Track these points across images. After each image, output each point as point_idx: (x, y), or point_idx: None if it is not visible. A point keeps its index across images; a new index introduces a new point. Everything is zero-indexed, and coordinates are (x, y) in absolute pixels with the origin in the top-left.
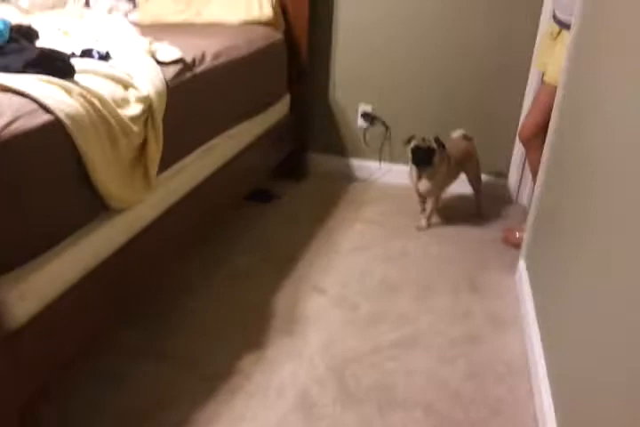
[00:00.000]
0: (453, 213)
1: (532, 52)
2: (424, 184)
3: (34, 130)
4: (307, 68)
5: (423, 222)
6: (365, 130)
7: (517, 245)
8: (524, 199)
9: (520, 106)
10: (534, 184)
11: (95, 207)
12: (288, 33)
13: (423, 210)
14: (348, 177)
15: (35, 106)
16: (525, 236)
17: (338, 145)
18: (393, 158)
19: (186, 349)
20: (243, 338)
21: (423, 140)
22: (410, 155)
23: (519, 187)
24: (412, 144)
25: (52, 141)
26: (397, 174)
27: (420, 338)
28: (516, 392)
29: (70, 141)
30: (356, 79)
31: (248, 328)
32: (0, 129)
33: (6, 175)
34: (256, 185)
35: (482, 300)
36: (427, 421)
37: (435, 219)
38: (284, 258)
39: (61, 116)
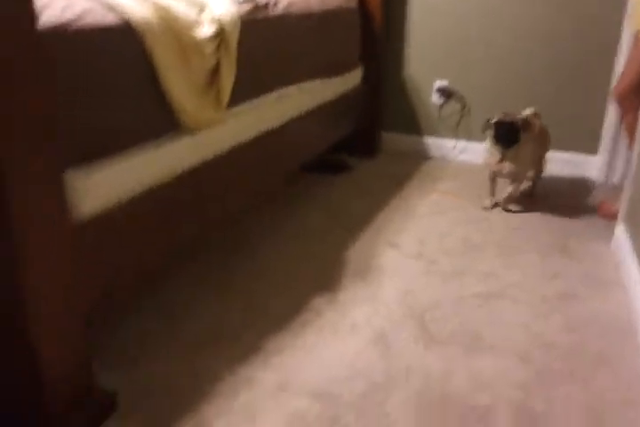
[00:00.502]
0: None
1: (623, 18)
2: (507, 166)
3: (103, 28)
4: (380, 41)
5: (488, 202)
6: (441, 106)
7: (612, 217)
8: (614, 177)
9: (609, 73)
10: (631, 148)
11: (167, 123)
12: (362, 4)
13: (492, 193)
14: (421, 155)
15: (106, 8)
16: (623, 200)
17: (411, 122)
18: (469, 136)
19: (253, 288)
20: (314, 282)
21: (506, 115)
22: (491, 133)
23: (609, 164)
24: (494, 119)
25: (123, 45)
26: (474, 153)
27: (507, 292)
28: (621, 348)
29: (143, 49)
30: (432, 53)
31: (319, 275)
32: (67, 22)
33: (76, 70)
34: (323, 152)
35: (574, 262)
36: (520, 368)
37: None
38: (356, 219)
39: (134, 20)
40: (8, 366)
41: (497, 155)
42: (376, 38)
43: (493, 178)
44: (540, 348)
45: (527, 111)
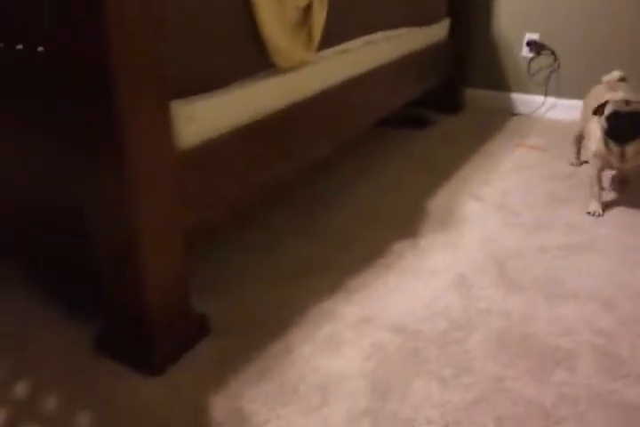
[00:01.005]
0: None
1: None
2: (627, 164)
3: None
4: None
5: (596, 206)
6: (530, 60)
7: None
8: None
9: None
10: None
11: (261, 62)
12: None
13: (601, 191)
14: (508, 112)
15: None
16: None
17: (498, 77)
18: (559, 92)
19: (337, 230)
20: (397, 228)
21: (626, 102)
22: (604, 125)
23: None
24: (609, 109)
25: None
26: (564, 110)
27: (593, 244)
28: None
29: None
30: (522, 5)
31: (402, 222)
32: None
33: (182, 9)
34: (406, 105)
35: None
36: (605, 314)
37: None
38: (439, 170)
39: None
40: (119, 287)
41: (613, 150)
42: None
43: (600, 172)
44: (625, 297)
45: (614, 74)
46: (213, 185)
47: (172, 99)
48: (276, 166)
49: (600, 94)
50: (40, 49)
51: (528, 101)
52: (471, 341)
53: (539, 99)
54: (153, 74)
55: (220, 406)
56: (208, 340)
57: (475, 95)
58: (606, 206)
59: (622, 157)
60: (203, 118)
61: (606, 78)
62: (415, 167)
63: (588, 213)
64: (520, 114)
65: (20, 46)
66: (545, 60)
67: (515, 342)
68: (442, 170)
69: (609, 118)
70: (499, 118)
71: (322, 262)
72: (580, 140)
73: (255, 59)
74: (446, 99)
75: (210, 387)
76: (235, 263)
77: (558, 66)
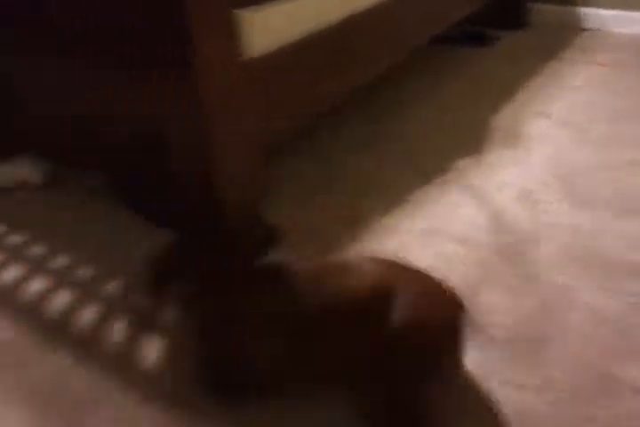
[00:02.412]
0: None
1: None
2: None
3: None
4: None
5: None
6: None
7: None
8: None
9: None
10: None
11: None
12: None
13: None
14: (576, 27)
15: None
16: None
17: None
18: (632, 5)
19: (400, 148)
20: (460, 146)
21: None
22: None
23: None
24: None
25: None
26: (636, 24)
27: None
28: None
29: None
30: None
31: (465, 139)
32: None
33: None
34: (464, 21)
35: None
36: None
37: None
38: (503, 88)
39: None
40: (195, 199)
41: None
42: None
43: None
44: None
45: None
46: (282, 95)
47: (237, 7)
48: (338, 79)
49: None
50: None
51: (599, 15)
52: (538, 252)
53: (611, 13)
54: None
55: None
56: (275, 250)
57: (541, 10)
58: None
59: None
60: (269, 27)
61: None
62: (478, 85)
63: None
64: (590, 29)
65: None
66: None
67: (582, 256)
68: (507, 87)
69: None
70: (567, 34)
71: (385, 178)
72: None
73: None
74: (507, 14)
75: None
76: (303, 177)
77: None
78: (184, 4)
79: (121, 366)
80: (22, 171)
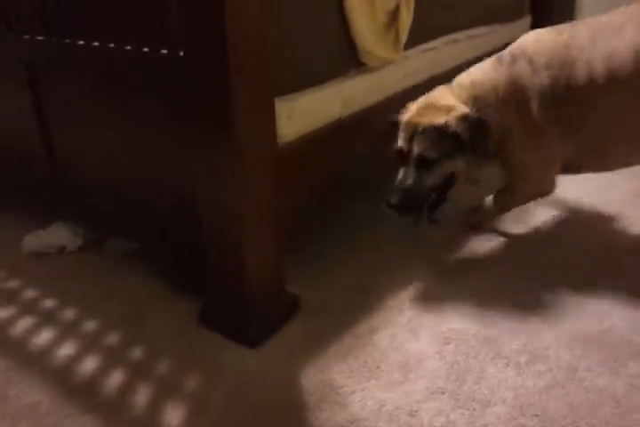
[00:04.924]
0: None
1: None
2: None
3: None
4: None
5: None
6: None
7: None
8: None
9: None
10: None
11: (351, 60)
12: None
13: None
14: None
15: None
16: None
17: None
18: None
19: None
20: None
21: None
22: None
23: None
24: None
25: None
26: None
27: None
28: None
29: None
30: (605, 2)
31: None
32: None
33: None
34: None
35: None
36: None
37: None
38: None
39: None
40: (221, 267)
41: None
42: None
43: None
44: None
45: None
46: (309, 176)
47: (275, 96)
48: (364, 160)
49: None
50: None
51: None
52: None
53: None
54: (258, 77)
55: (309, 377)
56: (297, 319)
57: None
58: None
59: None
60: (301, 113)
61: None
62: None
63: None
64: None
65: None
66: None
67: None
68: None
69: None
70: None
71: (398, 255)
72: None
73: (348, 59)
74: None
75: (300, 360)
76: (324, 253)
77: None
78: (231, 91)
79: None
80: (61, 237)
